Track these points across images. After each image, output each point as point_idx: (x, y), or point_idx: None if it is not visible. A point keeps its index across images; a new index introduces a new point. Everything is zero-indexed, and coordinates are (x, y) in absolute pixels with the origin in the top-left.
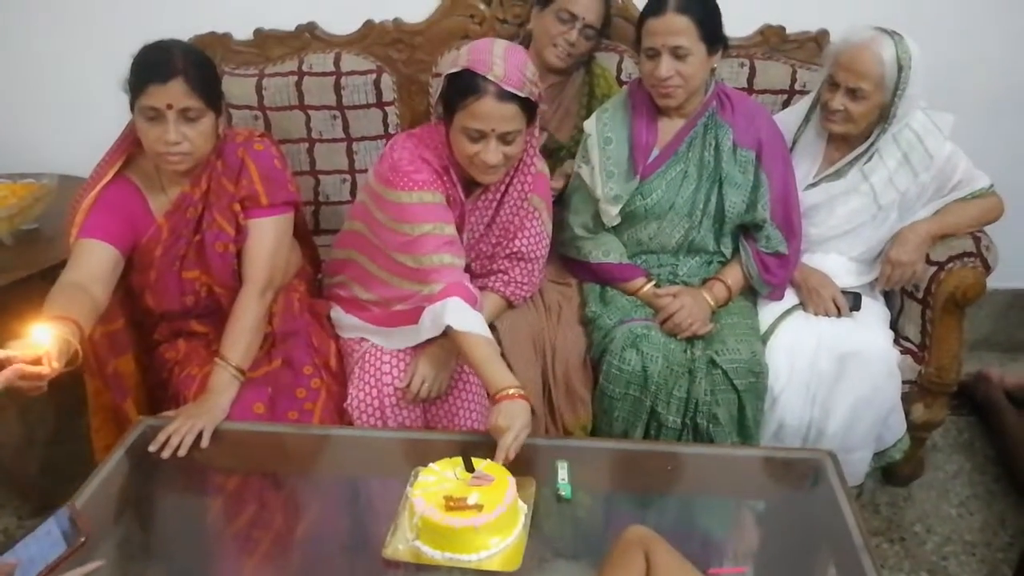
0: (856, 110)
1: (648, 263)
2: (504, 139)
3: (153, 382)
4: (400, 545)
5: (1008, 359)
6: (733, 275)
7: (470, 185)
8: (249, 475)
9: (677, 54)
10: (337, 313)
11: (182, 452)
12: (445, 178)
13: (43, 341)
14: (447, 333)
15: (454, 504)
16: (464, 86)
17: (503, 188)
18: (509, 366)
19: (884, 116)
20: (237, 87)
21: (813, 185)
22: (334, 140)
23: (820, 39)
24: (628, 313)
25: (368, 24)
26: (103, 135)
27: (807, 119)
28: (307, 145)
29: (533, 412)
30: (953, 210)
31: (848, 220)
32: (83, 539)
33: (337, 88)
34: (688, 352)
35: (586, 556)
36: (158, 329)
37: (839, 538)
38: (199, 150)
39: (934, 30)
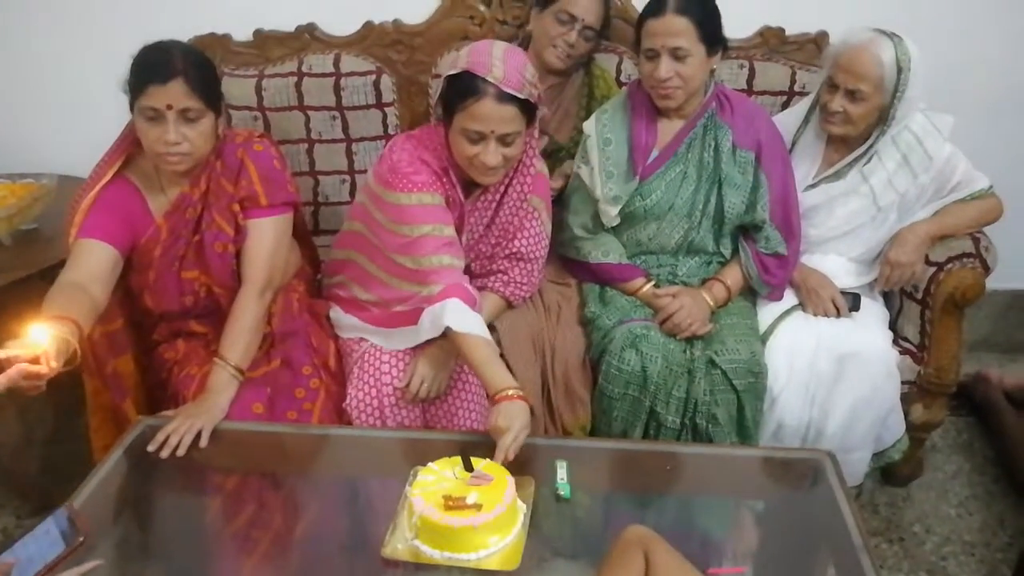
0: (855, 112)
1: (647, 263)
2: (503, 141)
3: (152, 382)
4: (399, 544)
5: (1007, 360)
6: (732, 275)
7: (469, 186)
8: (248, 475)
9: (676, 55)
10: (336, 313)
11: (181, 452)
12: (444, 179)
13: (41, 340)
14: (446, 334)
15: (453, 503)
16: (463, 88)
17: (502, 189)
18: (508, 366)
19: (883, 118)
20: (237, 88)
21: (812, 186)
22: (333, 141)
23: (819, 41)
24: (627, 313)
25: (368, 25)
26: (102, 135)
27: (806, 120)
28: (306, 146)
29: (532, 412)
30: (952, 211)
31: (847, 221)
32: (81, 539)
33: (337, 89)
34: (687, 352)
35: (585, 556)
36: (157, 329)
37: (838, 538)
38: (199, 150)
39: (934, 31)
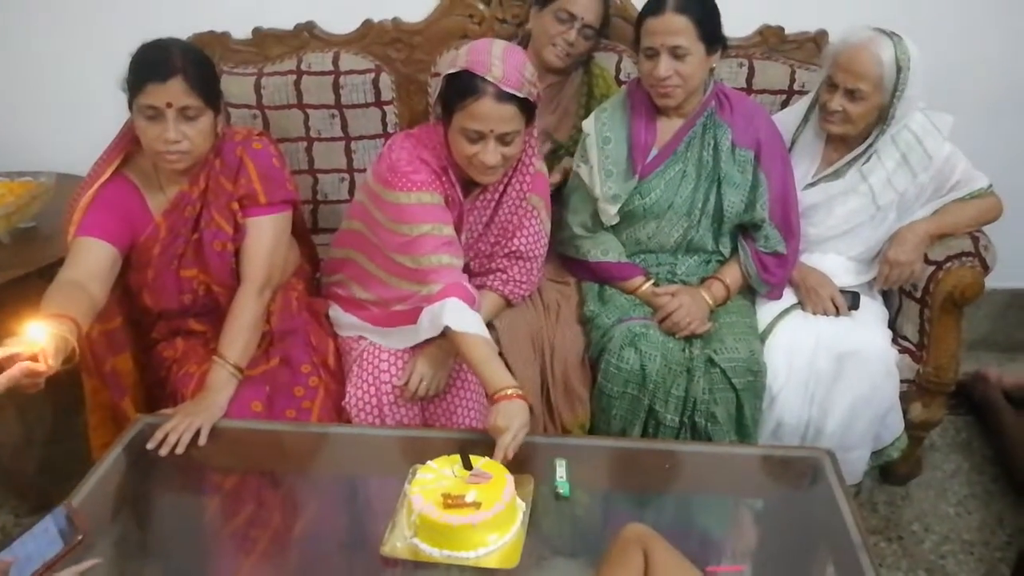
0: (854, 111)
1: (647, 262)
2: (503, 140)
3: (151, 380)
4: (398, 543)
5: (1006, 359)
6: (731, 274)
7: (468, 185)
8: (247, 473)
9: (676, 54)
10: (335, 312)
11: (180, 450)
12: (444, 178)
13: (39, 338)
14: (445, 333)
15: (452, 502)
16: (463, 87)
17: (502, 188)
18: (507, 365)
19: (883, 117)
20: (236, 86)
21: (812, 185)
22: (332, 139)
23: (819, 39)
24: (627, 312)
25: (367, 23)
26: (101, 134)
27: (806, 119)
28: (305, 144)
29: (531, 411)
30: (951, 210)
31: (846, 220)
32: (80, 537)
33: (336, 87)
34: (686, 351)
35: (584, 554)
36: (156, 327)
37: (837, 536)
38: (198, 149)
39: (933, 31)
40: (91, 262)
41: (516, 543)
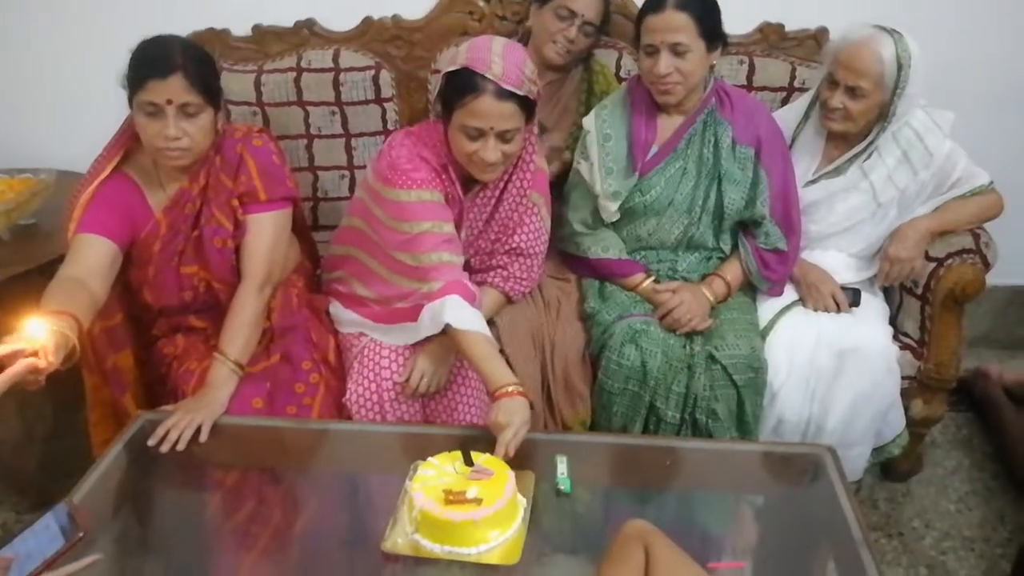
0: (855, 108)
1: (647, 259)
2: (503, 137)
3: (151, 377)
4: (399, 539)
5: (1007, 356)
6: (732, 271)
7: (469, 182)
8: (248, 470)
9: (676, 51)
10: (336, 308)
11: (181, 446)
12: (444, 176)
13: (38, 335)
14: (446, 331)
15: (453, 498)
16: (463, 84)
17: (502, 185)
18: (508, 361)
19: (883, 114)
20: (236, 83)
21: (812, 182)
22: (333, 136)
23: (819, 37)
24: (627, 309)
25: (367, 20)
26: (101, 130)
27: (806, 116)
28: (306, 141)
29: (532, 408)
30: (952, 207)
31: (847, 217)
32: (81, 534)
33: (336, 84)
34: (687, 348)
35: (585, 550)
36: (156, 324)
37: (838, 533)
38: (198, 145)
39: (934, 28)
40: (91, 259)
41: (517, 539)
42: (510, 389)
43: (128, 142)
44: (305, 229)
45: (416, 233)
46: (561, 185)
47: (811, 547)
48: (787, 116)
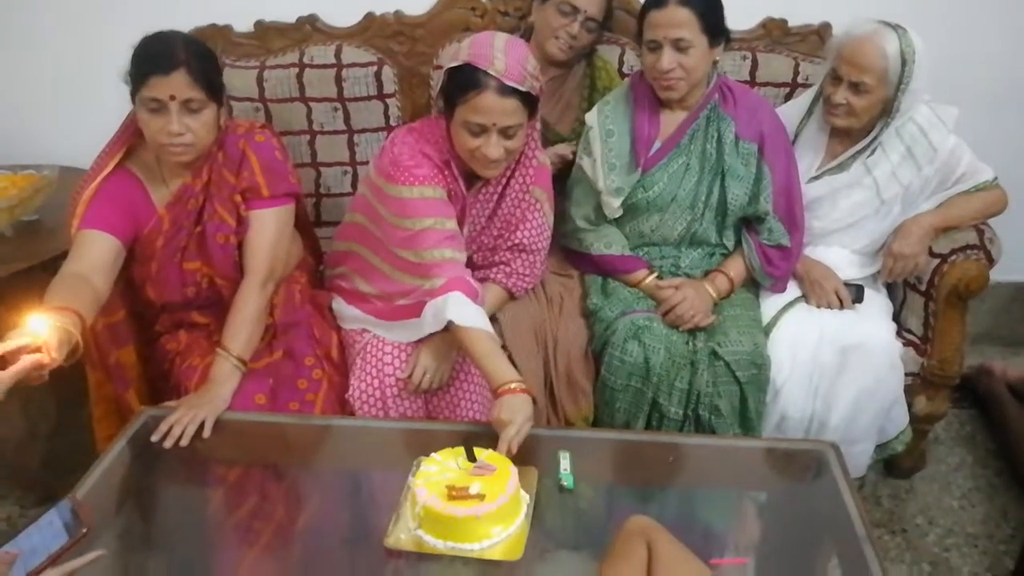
0: (859, 104)
1: (650, 255)
2: (505, 133)
3: (154, 373)
4: (402, 535)
5: (1010, 353)
6: (735, 267)
7: (471, 178)
8: (251, 466)
9: (679, 46)
10: (339, 304)
11: (184, 442)
12: (446, 172)
13: (40, 331)
14: (449, 328)
15: (456, 494)
16: (465, 80)
17: (504, 181)
18: (511, 357)
19: (887, 110)
20: (238, 79)
21: (816, 178)
22: (335, 132)
23: (822, 32)
24: (630, 305)
25: (369, 16)
26: (104, 126)
27: (810, 112)
28: (308, 137)
29: (535, 404)
30: (956, 203)
31: (851, 213)
32: (85, 530)
33: (338, 80)
34: (690, 344)
35: (588, 546)
36: (159, 320)
37: (841, 529)
38: (201, 141)
39: (937, 24)
40: (94, 255)
41: (520, 535)
42: (513, 386)
43: (131, 138)
44: (308, 225)
45: (418, 229)
46: (564, 181)
47: (814, 544)
48: (790, 112)
